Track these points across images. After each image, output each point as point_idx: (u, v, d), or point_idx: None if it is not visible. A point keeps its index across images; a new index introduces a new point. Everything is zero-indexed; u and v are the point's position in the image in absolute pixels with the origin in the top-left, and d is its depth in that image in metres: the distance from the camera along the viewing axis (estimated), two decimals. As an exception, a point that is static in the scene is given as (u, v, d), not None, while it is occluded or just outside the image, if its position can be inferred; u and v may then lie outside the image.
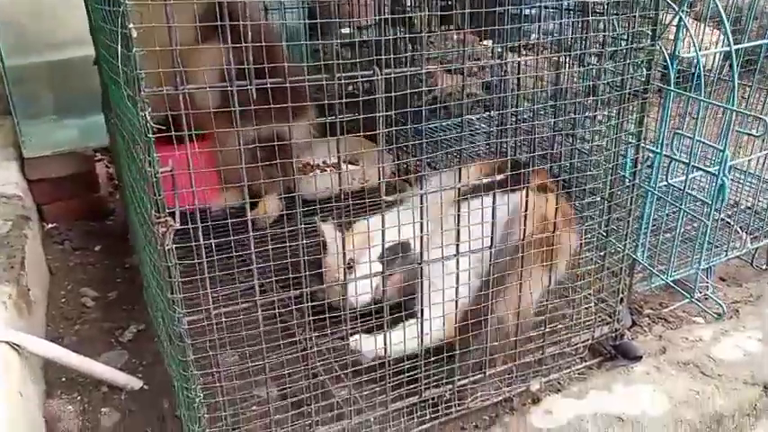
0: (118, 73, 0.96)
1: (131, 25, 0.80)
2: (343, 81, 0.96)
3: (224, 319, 1.12)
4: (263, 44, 0.91)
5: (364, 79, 0.99)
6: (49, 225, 2.29)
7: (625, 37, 1.32)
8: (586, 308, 1.51)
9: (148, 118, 0.86)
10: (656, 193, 1.67)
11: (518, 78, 1.31)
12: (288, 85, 0.94)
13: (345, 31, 2.33)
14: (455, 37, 2.57)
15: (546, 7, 1.59)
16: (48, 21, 2.16)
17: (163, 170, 0.90)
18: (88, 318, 1.81)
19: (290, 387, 1.31)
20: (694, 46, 1.47)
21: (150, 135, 0.87)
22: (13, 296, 1.49)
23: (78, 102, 2.25)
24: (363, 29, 2.30)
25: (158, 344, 1.58)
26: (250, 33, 0.89)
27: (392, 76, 0.98)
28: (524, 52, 1.54)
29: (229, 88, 0.89)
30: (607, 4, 1.24)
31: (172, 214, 0.96)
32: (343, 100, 0.96)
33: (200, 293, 1.08)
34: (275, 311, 1.38)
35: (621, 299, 1.57)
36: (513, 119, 1.82)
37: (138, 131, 0.89)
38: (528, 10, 1.72)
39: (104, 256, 2.14)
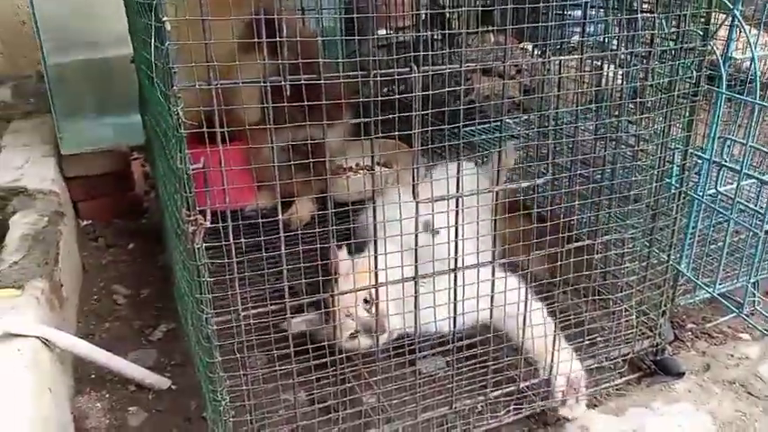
0: (152, 69, 0.95)
1: (165, 18, 0.78)
2: (379, 78, 0.93)
3: (252, 321, 1.10)
4: (299, 38, 0.89)
5: (401, 77, 0.96)
6: (85, 222, 2.32)
7: (674, 37, 1.26)
8: (627, 320, 1.46)
9: (181, 114, 0.84)
10: (703, 201, 1.59)
11: (559, 79, 1.25)
12: (322, 81, 0.91)
13: (382, 32, 2.31)
14: (492, 39, 2.53)
15: (592, 6, 1.53)
16: (88, 20, 2.19)
17: (194, 167, 0.89)
18: (119, 315, 1.82)
19: (318, 392, 1.29)
20: (750, 47, 1.40)
21: (182, 131, 0.86)
22: (45, 291, 1.50)
23: (116, 100, 2.28)
24: (400, 30, 2.28)
25: (187, 343, 1.57)
26: (286, 30, 0.87)
27: (429, 73, 0.95)
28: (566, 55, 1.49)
29: (262, 84, 0.87)
30: (656, 1, 1.19)
31: (202, 213, 0.94)
32: (379, 98, 0.93)
33: (228, 294, 1.06)
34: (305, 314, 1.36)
35: (663, 312, 1.51)
36: (554, 122, 1.77)
37: (171, 127, 0.87)
38: (572, 11, 1.66)
39: (138, 254, 2.15)
